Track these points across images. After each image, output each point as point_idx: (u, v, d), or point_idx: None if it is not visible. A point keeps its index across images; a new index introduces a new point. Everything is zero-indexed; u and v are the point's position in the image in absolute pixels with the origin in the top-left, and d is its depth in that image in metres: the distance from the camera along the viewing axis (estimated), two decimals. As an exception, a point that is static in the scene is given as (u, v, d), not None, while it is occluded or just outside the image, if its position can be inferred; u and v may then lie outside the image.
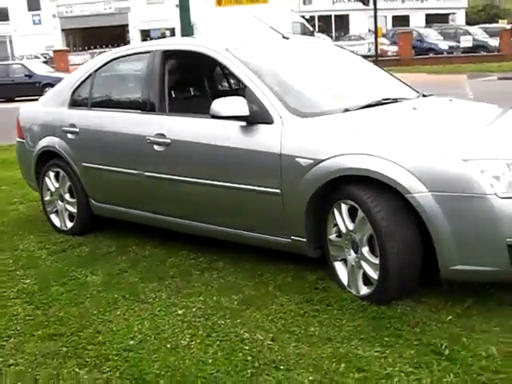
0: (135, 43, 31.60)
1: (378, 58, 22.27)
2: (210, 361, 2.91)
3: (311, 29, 35.41)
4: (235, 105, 3.70)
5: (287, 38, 4.59)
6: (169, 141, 4.19)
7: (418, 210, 3.08)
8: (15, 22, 45.62)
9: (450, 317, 3.13)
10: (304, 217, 3.54)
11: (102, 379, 2.86)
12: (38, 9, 45.19)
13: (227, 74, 5.07)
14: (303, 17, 39.07)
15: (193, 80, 4.75)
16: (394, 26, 41.25)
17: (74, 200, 5.14)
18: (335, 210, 3.44)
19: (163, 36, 42.74)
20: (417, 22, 42.07)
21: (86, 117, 4.93)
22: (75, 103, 5.11)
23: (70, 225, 5.24)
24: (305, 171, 3.45)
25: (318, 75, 4.36)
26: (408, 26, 39.12)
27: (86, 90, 5.05)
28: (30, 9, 45.47)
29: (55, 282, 4.17)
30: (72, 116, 5.04)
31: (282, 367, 2.80)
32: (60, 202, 5.29)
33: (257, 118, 3.71)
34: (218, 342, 3.10)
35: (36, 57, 36.30)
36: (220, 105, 3.72)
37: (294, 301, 3.51)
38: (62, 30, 45.04)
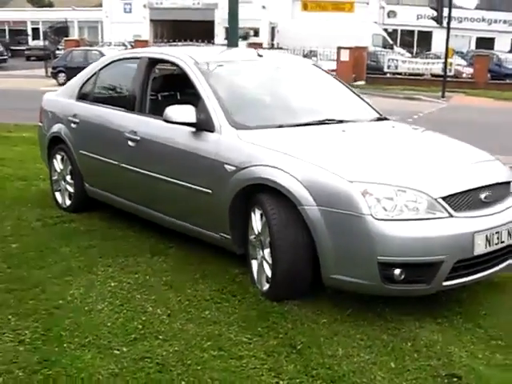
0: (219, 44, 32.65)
1: (446, 79, 22.11)
2: (109, 324, 3.50)
3: (391, 42, 35.39)
4: (184, 112, 4.25)
5: (261, 56, 5.07)
6: (138, 138, 4.80)
7: (307, 222, 3.53)
8: (107, 8, 47.78)
9: (325, 320, 3.56)
10: (228, 217, 4.05)
11: (23, 326, 3.48)
12: (131, -3, 47.15)
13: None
14: (386, 30, 39.05)
15: (167, 86, 5.30)
16: (477, 47, 40.37)
17: (73, 182, 5.83)
18: (252, 214, 3.93)
19: (246, 36, 43.62)
20: (502, 45, 40.98)
21: (85, 109, 5.62)
22: (81, 97, 5.80)
23: (68, 203, 5.94)
24: (229, 176, 3.97)
25: (274, 92, 4.80)
26: (492, 48, 38.17)
27: (90, 86, 5.74)
28: (123, -3, 47.52)
29: (34, 249, 4.84)
30: (76, 108, 5.74)
31: (160, 337, 3.34)
32: (63, 182, 5.99)
33: (202, 125, 4.25)
34: (125, 310, 3.68)
35: (123, 44, 37.85)
36: (172, 111, 4.28)
37: (210, 288, 4.03)
38: (151, 20, 46.75)
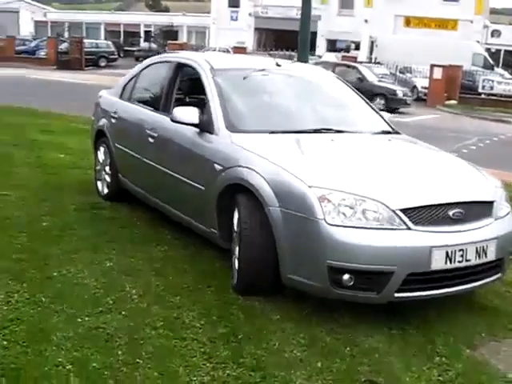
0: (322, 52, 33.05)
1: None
2: (86, 296, 3.91)
3: (492, 63, 34.26)
4: (189, 113, 4.57)
5: (279, 66, 5.31)
6: (156, 135, 5.18)
7: (270, 222, 3.74)
8: (215, 15, 49.37)
9: (279, 316, 3.75)
10: (215, 213, 4.32)
11: (15, 290, 3.92)
12: (237, 6, 48.48)
13: None
14: (488, 49, 37.83)
15: (190, 88, 5.61)
16: None
17: (110, 172, 6.31)
18: (235, 212, 4.19)
19: (348, 48, 43.68)
20: None
21: (123, 107, 6.08)
22: (123, 95, 6.28)
23: (105, 191, 6.42)
24: (217, 175, 4.25)
25: (279, 100, 5.04)
26: None
27: (131, 86, 6.21)
28: (230, 5, 48.94)
29: (58, 228, 5.31)
30: (117, 105, 6.22)
31: (123, 313, 3.68)
32: (103, 172, 6.48)
33: (204, 126, 4.56)
34: (106, 287, 4.07)
35: (227, 50, 38.99)
36: (178, 112, 4.62)
37: (191, 278, 4.32)
38: (255, 28, 47.85)
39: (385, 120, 5.30)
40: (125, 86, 6.32)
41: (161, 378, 3.01)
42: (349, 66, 23.17)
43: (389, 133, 5.08)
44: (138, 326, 3.53)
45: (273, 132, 4.48)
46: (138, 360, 3.15)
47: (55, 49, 34.86)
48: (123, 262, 4.58)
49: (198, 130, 4.63)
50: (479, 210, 3.91)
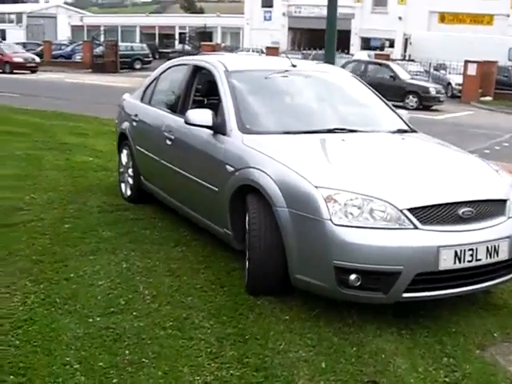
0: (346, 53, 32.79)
1: None
2: (99, 297, 4.00)
3: (528, 57, 33.55)
4: (202, 116, 4.62)
5: (294, 66, 5.32)
6: (173, 137, 5.24)
7: (278, 222, 3.76)
8: (248, 16, 49.51)
9: (287, 317, 3.77)
10: (228, 214, 4.36)
11: (32, 291, 4.03)
12: (271, 6, 48.51)
13: None
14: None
15: (207, 91, 5.65)
16: None
17: (132, 175, 6.41)
18: (247, 213, 4.22)
19: (382, 46, 43.30)
20: None
21: (143, 110, 6.18)
22: (144, 98, 6.37)
23: (129, 193, 6.53)
24: (229, 176, 4.29)
25: (294, 100, 5.05)
26: None
27: (151, 89, 6.30)
28: (264, 5, 49.03)
29: (80, 230, 5.43)
30: (138, 108, 6.32)
31: (134, 314, 3.76)
32: (126, 175, 6.59)
33: (217, 128, 4.60)
34: (120, 288, 4.16)
35: (257, 51, 39.06)
36: (192, 114, 4.67)
37: (205, 278, 4.38)
38: (289, 28, 47.80)
39: (402, 119, 5.27)
40: (146, 89, 6.42)
41: (164, 377, 3.06)
42: (381, 64, 22.97)
43: (405, 131, 5.04)
44: (147, 326, 3.60)
45: (285, 133, 4.49)
46: (143, 360, 3.21)
47: (90, 52, 35.49)
48: (140, 262, 4.66)
49: (211, 131, 4.67)
50: (491, 208, 3.85)
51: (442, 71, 28.17)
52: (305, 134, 4.51)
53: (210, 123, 4.61)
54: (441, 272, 3.58)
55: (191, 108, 5.34)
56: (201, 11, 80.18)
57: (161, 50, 51.78)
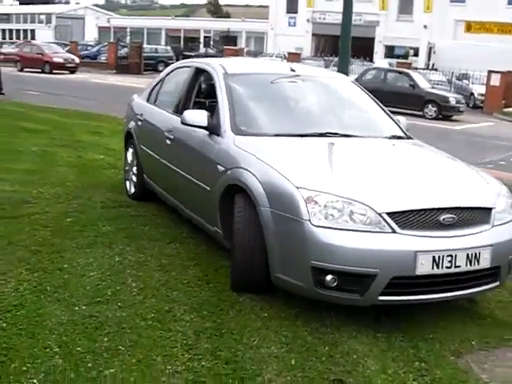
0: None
1: None
2: (88, 287, 4.14)
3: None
4: (198, 116, 4.75)
5: (293, 70, 5.41)
6: (172, 137, 5.38)
7: (261, 222, 3.87)
8: (273, 21, 49.71)
9: (266, 314, 3.86)
10: (218, 213, 4.47)
11: (26, 279, 4.18)
12: (295, 12, 48.67)
13: None
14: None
15: (204, 92, 5.76)
16: None
17: (136, 172, 6.56)
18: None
19: (407, 54, 43.15)
20: None
21: (148, 110, 6.33)
22: (150, 99, 6.53)
23: (132, 191, 6.68)
24: (220, 176, 4.41)
25: (290, 104, 5.14)
26: None
27: (156, 90, 6.45)
28: (288, 11, 49.21)
29: (81, 224, 5.57)
30: (143, 108, 6.48)
31: (118, 304, 3.89)
32: (131, 173, 6.74)
33: (212, 129, 4.73)
34: (109, 280, 4.30)
35: (279, 56, 39.21)
36: (188, 115, 4.80)
37: (193, 274, 4.49)
38: (313, 34, 47.89)
39: (398, 125, 5.33)
40: (152, 89, 6.58)
41: (137, 364, 3.17)
42: (401, 73, 22.92)
43: (400, 138, 5.10)
44: (129, 316, 3.72)
45: (276, 135, 4.59)
46: (120, 347, 3.33)
47: (115, 54, 35.93)
48: (133, 257, 4.79)
49: (207, 132, 4.79)
50: (474, 216, 3.89)
51: (465, 81, 28.01)
52: (295, 137, 4.60)
53: (204, 124, 4.73)
54: (418, 277, 3.64)
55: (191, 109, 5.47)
56: (227, 16, 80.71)
57: (185, 53, 52.23)
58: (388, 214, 3.62)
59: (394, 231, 3.60)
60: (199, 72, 5.62)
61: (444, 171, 4.47)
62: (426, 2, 42.68)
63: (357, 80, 23.80)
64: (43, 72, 31.70)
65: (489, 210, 4.00)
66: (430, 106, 21.00)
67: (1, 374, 2.99)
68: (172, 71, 6.34)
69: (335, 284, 3.60)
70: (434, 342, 3.70)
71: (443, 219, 3.73)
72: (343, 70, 12.70)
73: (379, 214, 3.61)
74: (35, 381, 2.97)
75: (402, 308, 4.01)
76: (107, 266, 4.55)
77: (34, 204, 6.17)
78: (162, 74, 6.57)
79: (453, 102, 21.16)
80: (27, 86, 21.50)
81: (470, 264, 3.74)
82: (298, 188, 3.71)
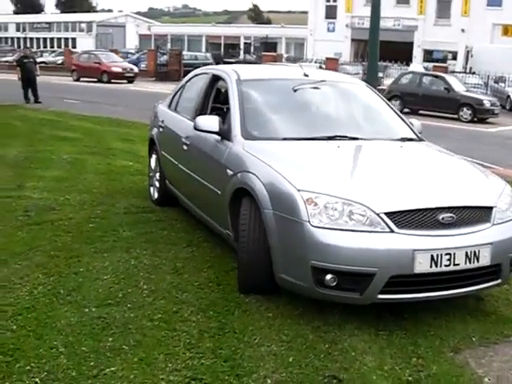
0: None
1: None
2: (100, 290, 4.28)
3: None
4: (210, 122, 4.87)
5: (307, 76, 5.48)
6: (188, 142, 5.51)
7: (265, 224, 3.95)
8: (312, 27, 49.77)
9: (270, 314, 3.95)
10: (229, 216, 4.57)
11: (41, 283, 4.35)
12: (334, 17, 48.58)
13: None
14: None
15: (221, 98, 5.85)
16: None
17: (159, 178, 6.71)
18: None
19: (445, 58, 42.62)
20: None
21: (169, 116, 6.49)
22: (170, 105, 6.68)
23: (156, 196, 6.84)
24: (229, 180, 4.51)
25: (301, 108, 5.18)
26: None
27: (177, 97, 6.60)
28: (327, 17, 49.16)
29: (102, 230, 5.75)
30: (164, 115, 6.65)
31: (128, 306, 4.03)
32: (154, 179, 6.90)
33: (224, 134, 4.84)
34: (122, 283, 4.44)
35: (318, 62, 39.16)
36: (200, 120, 4.92)
37: (205, 276, 4.60)
38: (352, 39, 47.68)
39: (410, 128, 5.34)
40: (173, 96, 6.73)
41: (139, 363, 3.29)
42: (436, 76, 22.67)
43: (410, 140, 5.12)
44: (136, 317, 3.85)
45: (284, 139, 4.67)
46: (124, 346, 3.45)
47: (155, 61, 36.37)
48: (148, 260, 4.92)
49: (219, 137, 4.90)
50: (474, 215, 3.92)
51: (502, 84, 27.55)
52: (303, 141, 4.67)
53: (216, 129, 4.84)
54: (417, 275, 3.68)
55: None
56: (268, 22, 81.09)
57: (225, 60, 52.76)
58: (386, 213, 3.68)
59: (392, 231, 3.65)
60: (215, 78, 5.74)
61: (447, 171, 4.49)
62: (463, 6, 42.16)
63: (393, 84, 23.73)
64: (100, 81, 31.55)
65: (489, 208, 4.01)
66: (464, 108, 20.74)
67: (4, 373, 3.13)
68: (192, 78, 6.48)
69: (335, 283, 3.66)
70: (435, 339, 3.74)
71: (442, 218, 3.77)
72: (372, 74, 12.75)
73: (377, 214, 3.67)
74: (37, 379, 3.10)
75: (405, 305, 4.05)
76: (122, 270, 4.69)
77: (58, 211, 6.38)
78: (182, 82, 6.72)
79: (487, 104, 20.86)
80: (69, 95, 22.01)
81: (470, 262, 3.77)
82: (298, 190, 3.79)
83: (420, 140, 5.21)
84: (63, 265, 4.75)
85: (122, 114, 16.39)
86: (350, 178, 4.03)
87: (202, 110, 5.67)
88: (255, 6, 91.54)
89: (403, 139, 5.07)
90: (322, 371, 3.29)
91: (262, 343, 3.56)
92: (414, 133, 5.29)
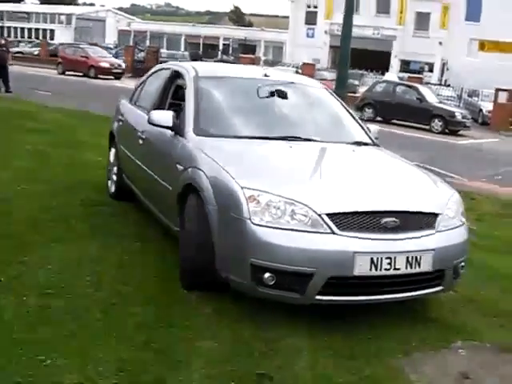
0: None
1: None
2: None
3: None
4: (163, 117, 4.85)
5: (267, 76, 5.48)
6: (144, 137, 5.50)
7: (209, 220, 3.96)
8: (292, 31, 50.01)
9: (209, 311, 3.95)
10: (177, 212, 4.56)
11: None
12: (314, 23, 48.90)
13: None
14: None
15: (179, 93, 5.83)
16: None
17: (116, 172, 6.67)
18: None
19: (422, 69, 43.14)
20: None
21: (128, 110, 6.47)
22: (131, 100, 6.66)
23: (113, 190, 6.80)
24: (178, 175, 4.50)
25: (256, 107, 5.15)
26: None
27: (138, 91, 6.58)
28: (307, 22, 49.46)
29: (55, 220, 5.68)
30: (124, 108, 6.62)
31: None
32: (112, 172, 6.86)
33: (177, 130, 4.83)
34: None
35: (296, 67, 39.30)
36: (154, 114, 4.91)
37: (151, 267, 4.63)
38: (330, 46, 48.00)
39: (366, 132, 5.39)
40: (135, 91, 6.71)
41: (70, 353, 3.26)
42: (410, 86, 22.96)
43: (365, 144, 5.17)
44: (74, 307, 3.80)
45: (236, 137, 4.68)
46: (57, 336, 3.43)
47: (132, 57, 36.14)
48: (95, 253, 4.89)
49: (172, 132, 4.89)
50: (417, 220, 3.95)
51: (475, 98, 28.00)
52: (255, 140, 4.69)
53: (169, 124, 4.83)
54: (356, 277, 3.71)
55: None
56: (249, 25, 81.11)
57: (203, 59, 52.68)
58: (328, 215, 3.69)
59: (333, 232, 3.67)
60: (176, 74, 5.73)
61: (395, 177, 4.53)
62: (442, 19, 42.78)
63: (366, 92, 23.95)
64: (86, 76, 30.72)
65: (434, 215, 4.05)
66: (436, 120, 21.03)
67: None
68: (154, 73, 6.46)
69: (273, 282, 3.66)
70: (373, 343, 3.76)
71: (385, 222, 3.79)
72: (342, 80, 12.83)
73: (319, 215, 3.68)
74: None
75: (348, 308, 4.07)
76: (67, 261, 4.65)
77: (13, 200, 6.30)
78: (144, 77, 6.69)
79: (459, 116, 21.18)
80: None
81: (411, 267, 3.80)
82: (242, 188, 3.79)
83: (375, 145, 5.26)
84: (10, 253, 4.69)
85: (95, 109, 16.17)
86: (295, 178, 4.04)
87: (159, 105, 5.65)
88: (236, 8, 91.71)
89: (357, 143, 5.11)
90: (253, 369, 3.30)
91: (196, 338, 3.56)
92: (370, 138, 5.34)
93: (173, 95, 5.79)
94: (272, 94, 5.14)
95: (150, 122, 4.93)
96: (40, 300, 3.88)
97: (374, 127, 5.65)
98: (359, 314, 4.08)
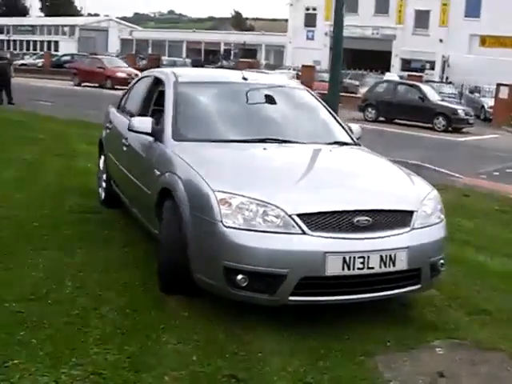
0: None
1: None
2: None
3: None
4: (143, 123, 4.93)
5: (246, 79, 5.52)
6: (127, 143, 5.57)
7: (183, 223, 4.01)
8: (291, 34, 50.09)
9: (187, 313, 4.00)
10: (156, 216, 4.61)
11: None
12: (314, 26, 48.98)
13: None
14: None
15: (161, 100, 5.90)
16: None
17: (105, 179, 6.75)
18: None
19: (423, 68, 43.11)
20: None
21: (115, 118, 6.55)
22: (119, 106, 6.74)
23: (103, 197, 6.87)
24: (156, 180, 4.57)
25: (234, 111, 5.22)
26: None
27: (125, 98, 6.66)
28: (307, 25, 49.54)
29: (43, 227, 5.77)
30: (112, 116, 6.70)
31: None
32: (102, 179, 6.94)
33: (156, 136, 4.90)
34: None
35: (296, 70, 39.37)
36: (134, 121, 4.98)
37: (136, 273, 4.69)
38: (331, 48, 47.93)
39: (347, 132, 5.42)
40: (121, 98, 6.79)
41: (44, 356, 3.32)
42: (411, 85, 22.90)
43: (345, 144, 5.21)
44: (54, 313, 3.87)
45: (212, 141, 4.73)
46: (33, 340, 3.48)
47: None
48: (81, 259, 4.97)
49: (152, 138, 4.95)
50: (391, 218, 3.96)
51: (477, 94, 27.92)
52: (231, 143, 4.74)
53: (148, 130, 4.90)
54: (329, 277, 3.73)
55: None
56: (250, 29, 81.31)
57: (205, 65, 52.86)
58: (298, 215, 3.72)
59: (303, 232, 3.70)
60: (157, 81, 5.80)
61: (371, 175, 4.55)
62: (441, 17, 42.76)
63: (368, 92, 23.92)
64: (102, 87, 30.13)
65: (409, 212, 4.06)
66: (439, 118, 20.94)
67: None
68: (139, 80, 6.55)
69: (246, 284, 3.70)
70: (348, 343, 3.77)
71: (357, 221, 3.81)
72: (334, 80, 12.86)
73: (290, 216, 3.72)
74: None
75: (324, 308, 4.08)
76: (52, 267, 4.72)
77: (4, 208, 6.39)
78: (131, 84, 6.78)
79: (462, 114, 21.11)
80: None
81: (385, 266, 3.81)
82: (213, 191, 3.84)
83: (356, 144, 5.29)
84: (-7, 256, 4.77)
85: (93, 118, 16.23)
86: (267, 180, 4.08)
87: (143, 112, 5.73)
88: (237, 13, 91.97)
89: (337, 143, 5.15)
90: (223, 370, 3.33)
91: (170, 341, 3.60)
92: (351, 137, 5.37)
93: (155, 101, 5.86)
94: (261, 100, 5.18)
95: (130, 129, 5.00)
96: (21, 305, 3.94)
97: (355, 127, 5.68)
98: (338, 314, 4.10)
